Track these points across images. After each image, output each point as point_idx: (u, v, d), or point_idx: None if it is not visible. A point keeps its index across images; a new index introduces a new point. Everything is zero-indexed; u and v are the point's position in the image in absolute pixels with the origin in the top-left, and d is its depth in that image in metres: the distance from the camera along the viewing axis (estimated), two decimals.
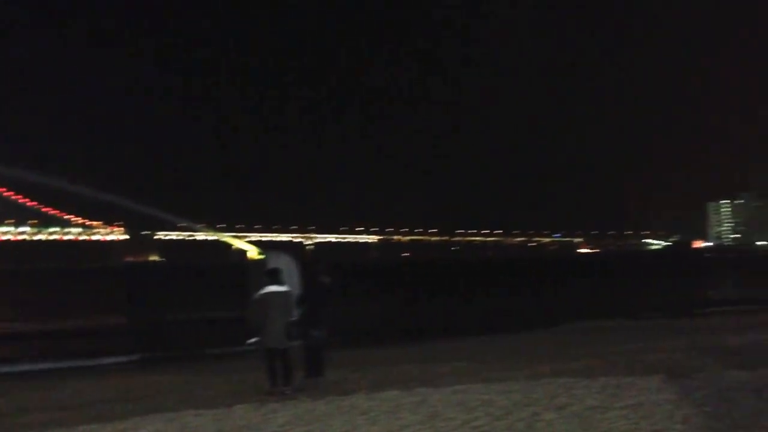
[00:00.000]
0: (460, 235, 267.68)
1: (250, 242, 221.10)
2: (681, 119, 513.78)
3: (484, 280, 66.23)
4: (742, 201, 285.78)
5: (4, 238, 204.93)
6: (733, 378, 8.25)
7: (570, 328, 21.51)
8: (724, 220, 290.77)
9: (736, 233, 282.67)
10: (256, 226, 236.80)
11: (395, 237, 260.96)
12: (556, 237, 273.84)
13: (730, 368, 8.98)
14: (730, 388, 7.55)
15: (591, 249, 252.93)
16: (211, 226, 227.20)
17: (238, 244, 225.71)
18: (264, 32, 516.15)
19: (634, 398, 7.30)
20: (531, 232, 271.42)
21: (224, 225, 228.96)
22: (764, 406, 6.81)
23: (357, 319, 23.75)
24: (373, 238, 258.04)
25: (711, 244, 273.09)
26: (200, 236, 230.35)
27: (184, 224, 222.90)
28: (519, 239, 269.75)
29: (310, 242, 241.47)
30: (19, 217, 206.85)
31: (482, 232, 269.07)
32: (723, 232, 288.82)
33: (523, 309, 31.67)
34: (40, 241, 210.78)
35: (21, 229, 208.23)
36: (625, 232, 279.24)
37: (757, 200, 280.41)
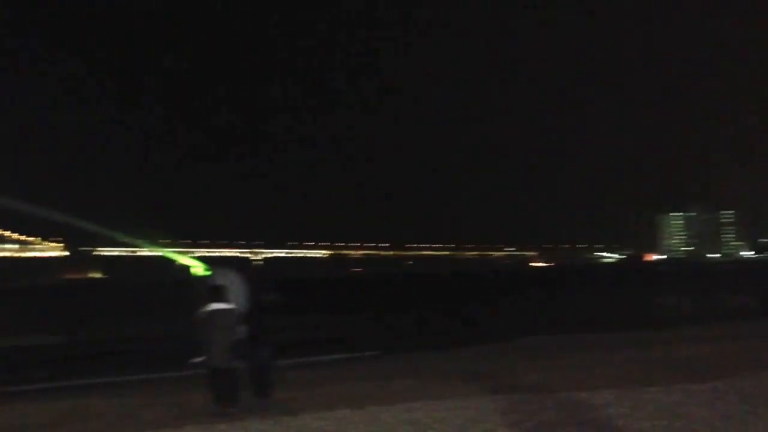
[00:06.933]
0: (412, 249, 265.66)
1: (196, 258, 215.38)
2: (634, 130, 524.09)
3: (437, 295, 65.11)
4: (694, 214, 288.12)
5: None
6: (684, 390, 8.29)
7: (523, 343, 21.41)
8: (676, 232, 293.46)
9: (689, 246, 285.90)
10: (202, 242, 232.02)
11: (346, 252, 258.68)
12: (509, 251, 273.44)
13: (682, 381, 9.05)
14: (681, 403, 7.58)
15: (544, 263, 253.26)
16: (155, 241, 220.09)
17: (182, 259, 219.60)
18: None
19: (586, 415, 7.26)
20: (484, 245, 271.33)
21: (168, 240, 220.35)
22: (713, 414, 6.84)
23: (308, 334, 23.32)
24: (323, 253, 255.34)
25: (664, 256, 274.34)
26: (143, 252, 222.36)
27: (126, 239, 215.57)
28: (472, 253, 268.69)
29: (257, 258, 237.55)
30: None
31: (434, 246, 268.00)
32: (675, 245, 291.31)
33: (476, 324, 31.58)
34: None
35: None
36: (578, 246, 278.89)
37: (707, 213, 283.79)
